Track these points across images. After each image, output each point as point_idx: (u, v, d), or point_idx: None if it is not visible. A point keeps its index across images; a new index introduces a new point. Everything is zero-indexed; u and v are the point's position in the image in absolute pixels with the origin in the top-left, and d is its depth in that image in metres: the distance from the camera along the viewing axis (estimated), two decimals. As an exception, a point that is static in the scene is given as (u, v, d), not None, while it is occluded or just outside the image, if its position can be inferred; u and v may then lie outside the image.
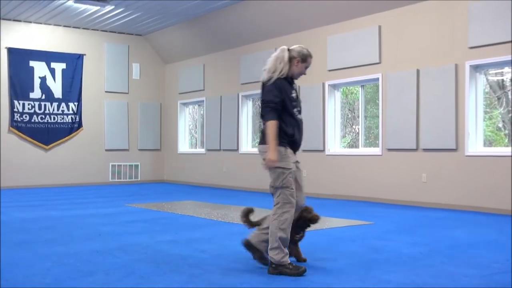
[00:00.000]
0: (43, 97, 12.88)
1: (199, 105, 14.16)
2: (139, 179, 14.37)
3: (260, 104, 3.70)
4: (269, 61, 3.95)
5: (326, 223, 6.47)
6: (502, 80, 8.24)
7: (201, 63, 13.54)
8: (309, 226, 4.17)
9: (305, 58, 3.97)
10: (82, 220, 6.75)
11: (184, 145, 14.50)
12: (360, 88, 9.93)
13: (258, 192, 11.44)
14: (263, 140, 3.93)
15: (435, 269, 3.96)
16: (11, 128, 12.51)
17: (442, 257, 4.39)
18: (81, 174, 13.43)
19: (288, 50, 3.95)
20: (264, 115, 3.87)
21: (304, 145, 10.61)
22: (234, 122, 12.35)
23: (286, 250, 3.81)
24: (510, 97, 8.05)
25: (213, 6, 11.39)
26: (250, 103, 12.34)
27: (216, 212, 7.55)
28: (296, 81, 4.09)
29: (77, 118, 13.31)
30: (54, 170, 13.03)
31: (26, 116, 12.66)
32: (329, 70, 10.11)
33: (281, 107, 3.82)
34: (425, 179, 8.50)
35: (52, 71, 13.01)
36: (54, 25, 13.07)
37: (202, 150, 13.59)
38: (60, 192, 11.28)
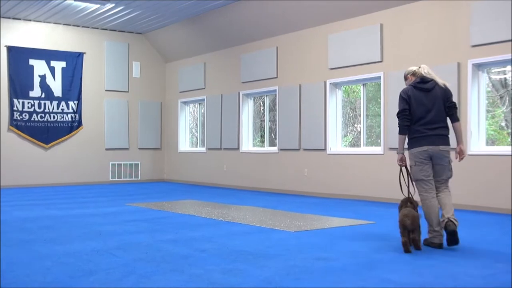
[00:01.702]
0: (43, 95, 12.90)
1: (199, 104, 14.17)
2: (139, 178, 14.39)
3: (451, 104, 4.93)
4: (429, 69, 5.03)
5: (327, 222, 6.47)
6: (505, 79, 8.23)
7: (202, 62, 13.54)
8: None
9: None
10: (82, 219, 6.77)
11: (184, 144, 14.52)
12: (361, 87, 9.94)
13: (259, 191, 11.45)
14: (447, 141, 4.91)
15: (437, 269, 3.96)
16: (10, 127, 12.53)
17: (444, 257, 4.40)
18: (81, 173, 13.45)
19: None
20: (457, 116, 4.96)
21: (305, 144, 10.64)
22: (234, 120, 12.36)
23: None
24: (512, 95, 8.04)
25: (213, 4, 11.40)
26: (251, 102, 12.35)
27: (217, 211, 7.56)
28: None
29: (77, 116, 13.33)
30: (54, 169, 13.05)
31: (25, 115, 12.68)
32: (331, 69, 10.12)
33: None
34: (427, 178, 8.49)
35: (52, 70, 13.03)
36: (54, 23, 13.08)
37: (203, 149, 13.60)
38: (60, 191, 11.30)
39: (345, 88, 10.49)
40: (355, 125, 10.60)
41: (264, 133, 12.18)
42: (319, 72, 10.35)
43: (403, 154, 4.97)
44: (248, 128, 12.34)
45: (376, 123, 9.83)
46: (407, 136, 4.91)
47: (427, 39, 8.60)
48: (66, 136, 13.21)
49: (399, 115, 4.89)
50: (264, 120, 12.21)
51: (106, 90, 13.88)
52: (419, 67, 5.01)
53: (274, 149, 11.52)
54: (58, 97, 13.07)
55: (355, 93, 10.57)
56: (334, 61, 10.05)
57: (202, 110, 13.95)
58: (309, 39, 10.62)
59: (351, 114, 10.69)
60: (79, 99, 13.34)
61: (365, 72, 9.52)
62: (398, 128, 4.92)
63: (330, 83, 10.16)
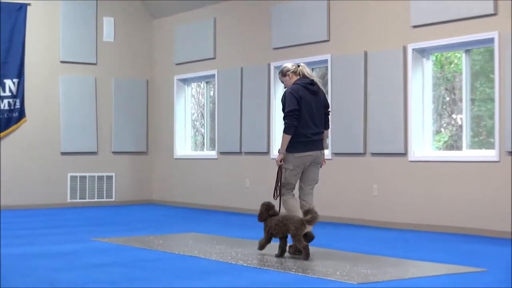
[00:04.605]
0: (-34, 71, 13.11)
1: (207, 83, 14.22)
2: (113, 199, 14.48)
3: (328, 112, 7.53)
4: (309, 69, 7.47)
5: (410, 270, 6.42)
6: None
7: (211, 17, 13.57)
8: None
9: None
10: (26, 262, 6.83)
11: (184, 146, 14.56)
12: (463, 55, 9.85)
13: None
14: (323, 145, 7.50)
15: None
16: None
17: None
18: (24, 191, 13.56)
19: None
20: (329, 124, 7.73)
21: (373, 145, 10.56)
22: (263, 109, 12.35)
23: None
24: None
25: None
26: (287, 80, 12.32)
27: (234, 251, 7.56)
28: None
29: (18, 103, 13.46)
30: (-17, 184, 13.21)
31: None
32: (414, 26, 10.04)
33: None
34: None
35: (-20, 31, 13.22)
36: (-17, -41, 13.28)
37: (213, 154, 13.63)
38: (-8, 219, 11.44)
39: (437, 57, 10.39)
40: (454, 116, 10.52)
41: (309, 129, 12.14)
42: (395, 32, 10.27)
43: (284, 154, 7.14)
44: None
45: (487, 113, 9.73)
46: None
47: None
48: (1, 134, 13.35)
49: (289, 113, 6.96)
50: (308, 108, 12.18)
51: (62, 62, 14.00)
52: (299, 66, 7.21)
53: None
54: (-11, 73, 13.26)
55: (453, 65, 10.49)
56: (418, 15, 9.96)
57: (212, 93, 13.97)
58: (379, -21, 10.58)
59: (448, 98, 10.61)
60: (20, 76, 13.46)
61: (469, 32, 9.41)
62: (284, 127, 7.03)
63: (413, 49, 10.08)
